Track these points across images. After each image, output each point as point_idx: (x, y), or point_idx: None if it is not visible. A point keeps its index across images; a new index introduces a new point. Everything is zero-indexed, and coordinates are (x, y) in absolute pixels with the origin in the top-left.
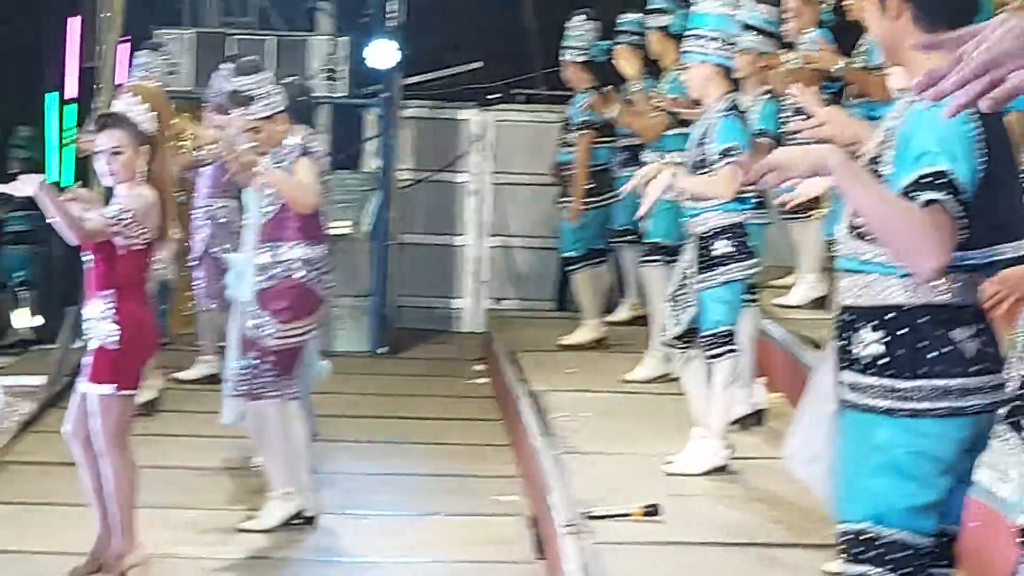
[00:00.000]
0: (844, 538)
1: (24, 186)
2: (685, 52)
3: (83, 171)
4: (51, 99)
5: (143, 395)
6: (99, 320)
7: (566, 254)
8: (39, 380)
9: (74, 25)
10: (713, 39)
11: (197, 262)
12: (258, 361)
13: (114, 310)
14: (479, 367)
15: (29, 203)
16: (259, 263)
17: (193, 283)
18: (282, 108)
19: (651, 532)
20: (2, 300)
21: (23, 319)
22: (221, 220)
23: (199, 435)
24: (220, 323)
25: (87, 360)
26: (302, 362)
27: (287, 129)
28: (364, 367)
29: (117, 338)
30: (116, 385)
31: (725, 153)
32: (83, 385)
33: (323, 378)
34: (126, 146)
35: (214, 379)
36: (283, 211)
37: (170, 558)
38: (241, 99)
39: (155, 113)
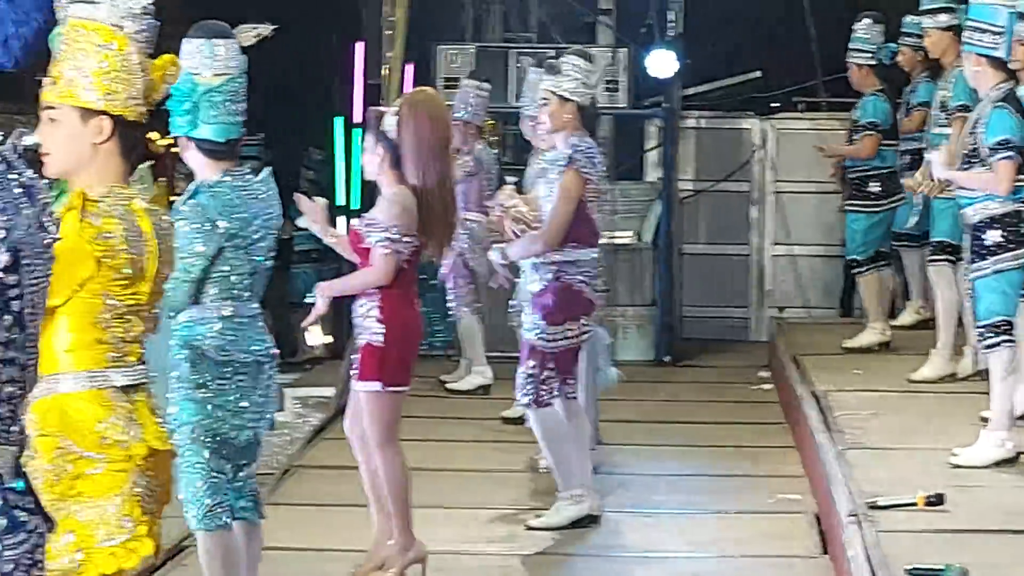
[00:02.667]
0: None
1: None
2: (964, 44)
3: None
4: (338, 123)
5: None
6: (365, 319)
7: (852, 256)
8: (328, 391)
9: (360, 50)
10: (984, 30)
11: (449, 272)
12: (538, 368)
13: (379, 309)
14: (764, 374)
15: None
16: (533, 264)
17: (448, 293)
18: (576, 99)
19: (935, 520)
20: (294, 319)
21: (315, 337)
22: (473, 231)
23: (482, 440)
24: (478, 330)
25: (356, 358)
26: (578, 363)
27: (572, 123)
28: (649, 375)
29: (382, 336)
30: (382, 383)
31: (998, 146)
32: (354, 383)
33: (613, 385)
34: (369, 144)
35: (485, 389)
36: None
37: (456, 554)
38: (554, 68)
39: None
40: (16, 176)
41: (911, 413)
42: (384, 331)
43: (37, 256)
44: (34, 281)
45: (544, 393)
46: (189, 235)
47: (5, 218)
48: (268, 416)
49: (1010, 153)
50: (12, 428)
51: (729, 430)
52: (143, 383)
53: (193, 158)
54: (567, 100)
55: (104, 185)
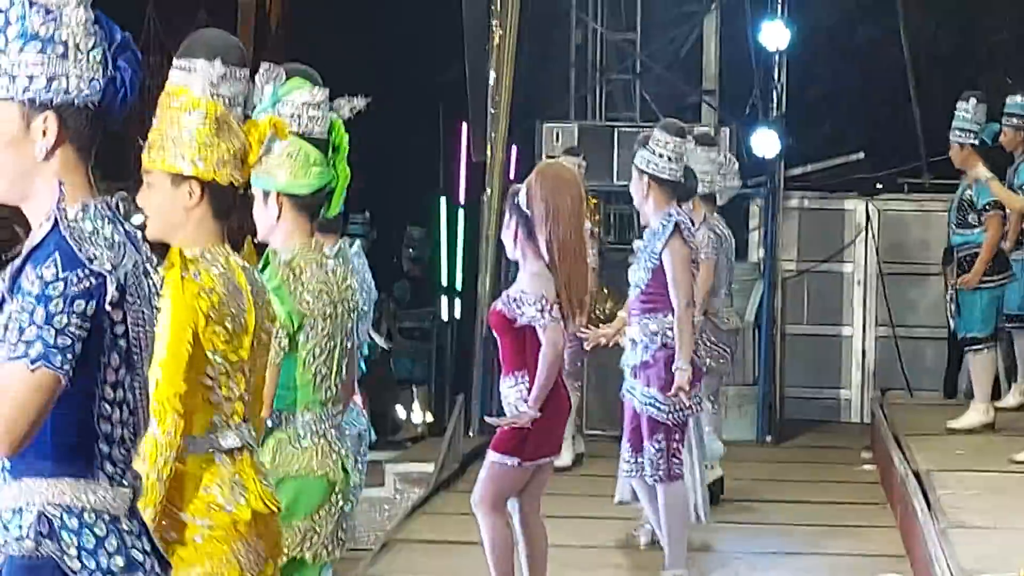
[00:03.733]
0: None
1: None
2: None
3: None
4: (441, 202)
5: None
6: (513, 396)
7: (972, 334)
8: (428, 467)
9: (465, 129)
10: None
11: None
12: (665, 440)
13: (525, 388)
14: (866, 454)
15: (419, 301)
16: (636, 336)
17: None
18: (663, 175)
19: None
20: (398, 397)
21: (417, 415)
22: None
23: (578, 515)
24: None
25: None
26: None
27: (660, 197)
28: (751, 455)
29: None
30: (520, 459)
31: None
32: (490, 452)
33: (718, 458)
34: (508, 221)
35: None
36: (655, 282)
37: None
38: (643, 142)
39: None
40: (120, 223)
41: (1013, 493)
42: None
43: (142, 299)
44: (140, 323)
45: (676, 465)
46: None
47: (112, 253)
48: (360, 489)
49: None
50: (127, 471)
51: (831, 509)
52: (249, 444)
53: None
54: (643, 172)
55: (199, 246)
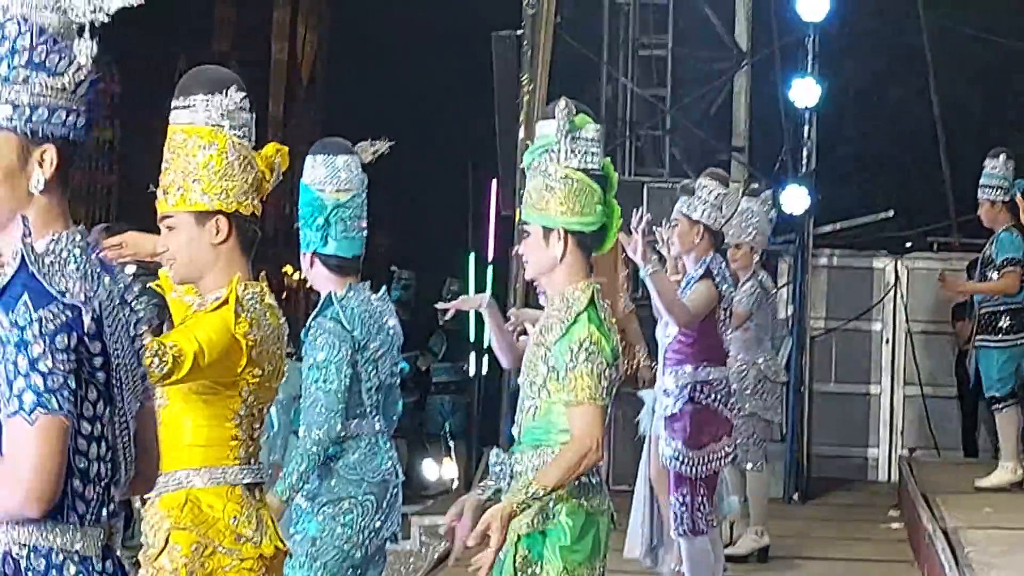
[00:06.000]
0: None
1: (471, 303)
2: None
3: None
4: (471, 258)
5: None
6: None
7: (991, 393)
8: None
9: (495, 186)
10: None
11: None
12: (690, 495)
13: None
14: (893, 512)
15: (453, 355)
16: (664, 388)
17: None
18: (706, 222)
19: None
20: (430, 449)
21: (449, 468)
22: None
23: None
24: None
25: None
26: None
27: (703, 245)
28: (777, 512)
29: None
30: None
31: None
32: None
33: (733, 513)
34: None
35: None
36: (683, 334)
37: None
38: (688, 190)
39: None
40: (95, 254)
41: None
42: None
43: (120, 330)
44: (119, 354)
45: (699, 520)
46: (332, 345)
47: (85, 284)
48: (388, 535)
49: None
50: (102, 510)
51: (858, 567)
52: (263, 483)
53: (319, 274)
54: (696, 222)
55: (241, 283)
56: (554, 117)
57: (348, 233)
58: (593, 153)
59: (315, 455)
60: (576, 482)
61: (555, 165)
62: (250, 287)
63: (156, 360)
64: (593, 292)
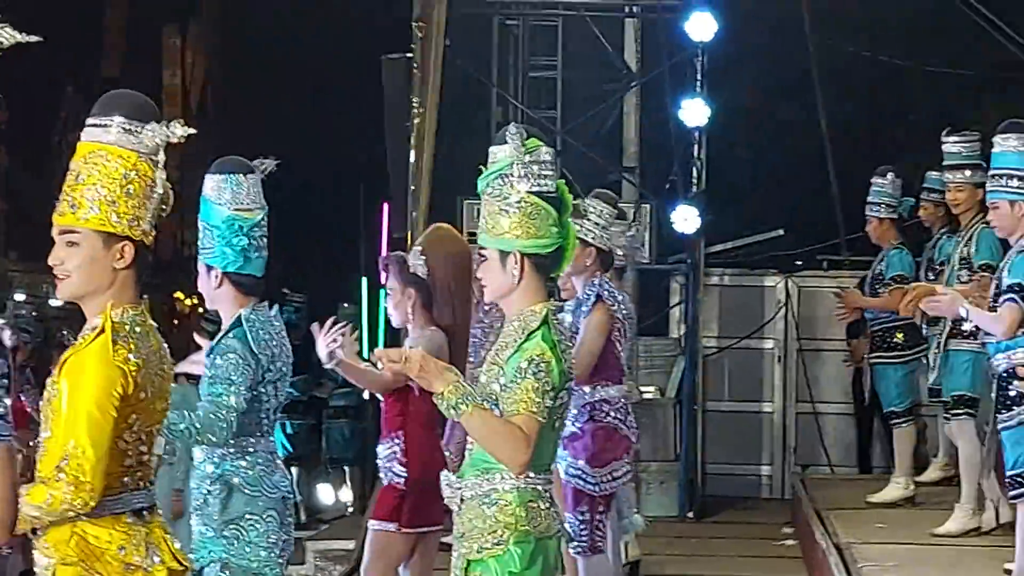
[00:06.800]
0: None
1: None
2: (991, 191)
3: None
4: (363, 283)
5: None
6: (388, 460)
7: (890, 408)
8: (349, 544)
9: (387, 210)
10: (1016, 177)
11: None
12: (590, 513)
13: (402, 451)
14: (787, 529)
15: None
16: None
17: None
18: (597, 244)
19: None
20: (329, 475)
21: (345, 493)
22: None
23: None
24: None
25: (376, 497)
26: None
27: (593, 267)
28: (671, 531)
29: (403, 479)
30: (399, 524)
31: (1009, 289)
32: (369, 520)
33: (637, 531)
34: (395, 289)
35: None
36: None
37: None
38: (578, 211)
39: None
40: None
41: (934, 565)
42: (406, 473)
43: None
44: None
45: (599, 538)
46: (240, 366)
47: None
48: (289, 553)
49: (1016, 297)
50: None
51: None
52: (155, 504)
53: (225, 294)
54: (588, 244)
55: (120, 306)
56: (507, 142)
57: (260, 253)
58: (547, 176)
59: (187, 436)
60: (526, 509)
61: (509, 189)
62: (129, 310)
63: (63, 477)
64: (547, 313)
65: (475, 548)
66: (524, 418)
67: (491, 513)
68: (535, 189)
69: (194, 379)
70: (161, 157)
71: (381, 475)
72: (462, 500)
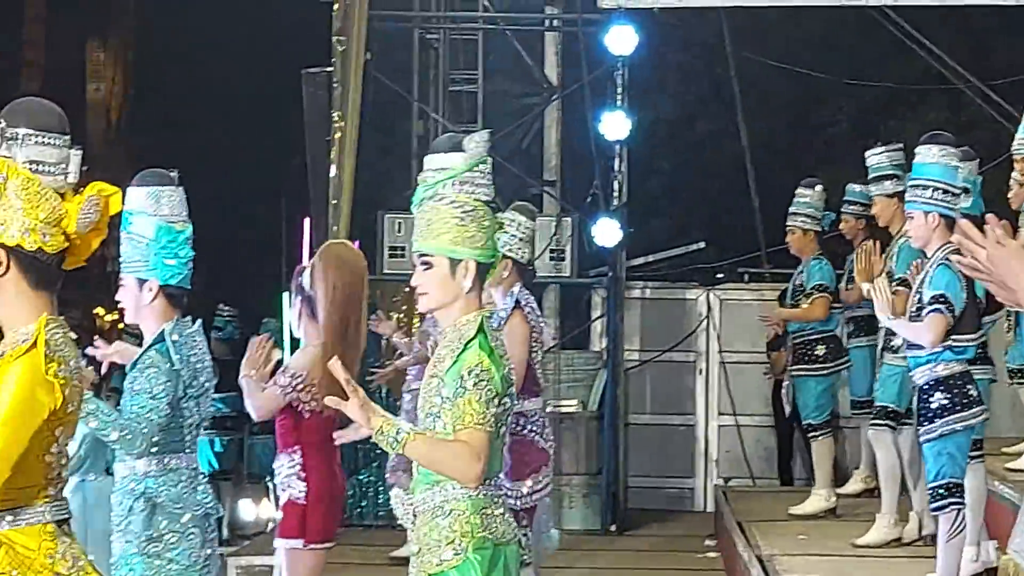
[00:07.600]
0: None
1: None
2: (908, 202)
3: None
4: (286, 297)
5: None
6: (287, 476)
7: (807, 421)
8: (271, 560)
9: (307, 225)
10: (937, 189)
11: None
12: None
13: (300, 466)
14: (710, 542)
15: None
16: None
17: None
18: (513, 256)
19: None
20: (250, 489)
21: (267, 509)
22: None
23: None
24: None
25: (279, 516)
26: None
27: (511, 279)
28: (595, 544)
29: (304, 494)
30: (304, 540)
31: (933, 300)
32: (276, 540)
33: (554, 547)
34: (295, 303)
35: None
36: None
37: None
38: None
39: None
40: None
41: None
42: (306, 488)
43: None
44: None
45: (522, 553)
46: (159, 379)
47: None
48: (215, 570)
49: (941, 307)
50: None
51: None
52: (69, 518)
53: (154, 307)
54: (504, 256)
55: (32, 320)
56: (460, 150)
57: (187, 264)
58: (489, 185)
59: (103, 432)
60: (481, 516)
61: (465, 196)
62: (52, 322)
63: None
64: (482, 320)
65: (434, 562)
66: (470, 432)
67: (446, 524)
68: (485, 198)
69: (113, 390)
70: (41, 159)
71: (280, 491)
72: (415, 516)
